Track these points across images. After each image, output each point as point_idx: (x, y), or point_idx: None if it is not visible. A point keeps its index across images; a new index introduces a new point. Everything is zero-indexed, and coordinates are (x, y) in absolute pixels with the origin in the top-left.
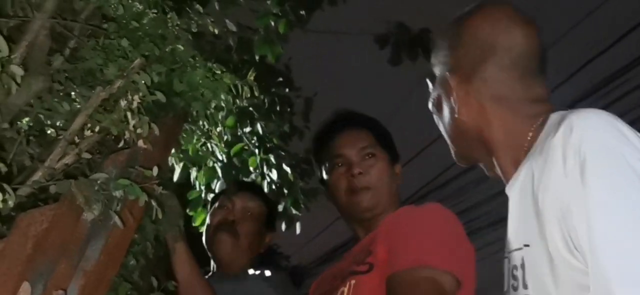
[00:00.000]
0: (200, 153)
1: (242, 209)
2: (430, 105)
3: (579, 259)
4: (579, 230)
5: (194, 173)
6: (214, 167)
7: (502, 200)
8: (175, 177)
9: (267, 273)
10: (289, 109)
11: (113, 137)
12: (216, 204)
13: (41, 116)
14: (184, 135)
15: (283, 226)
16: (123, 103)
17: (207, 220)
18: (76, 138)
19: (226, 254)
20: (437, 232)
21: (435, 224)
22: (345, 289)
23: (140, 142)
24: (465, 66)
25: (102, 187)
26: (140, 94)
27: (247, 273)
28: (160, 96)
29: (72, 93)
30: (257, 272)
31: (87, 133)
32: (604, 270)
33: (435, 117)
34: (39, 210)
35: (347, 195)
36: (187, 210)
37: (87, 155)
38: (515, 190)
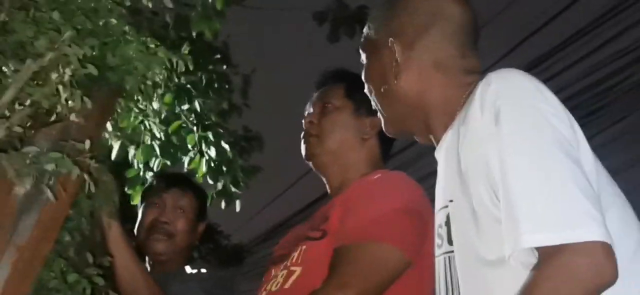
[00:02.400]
0: (137, 131)
1: (173, 207)
2: (362, 75)
3: (500, 210)
4: (496, 179)
5: (132, 151)
6: (152, 145)
7: None
8: (113, 156)
9: (203, 271)
10: (227, 86)
11: (45, 111)
12: (146, 202)
13: None
14: (120, 112)
15: (222, 204)
16: (54, 76)
17: (139, 218)
18: (7, 112)
19: (161, 254)
20: (390, 205)
21: (390, 196)
22: (296, 254)
23: (73, 116)
24: (408, 33)
25: (33, 161)
26: (72, 67)
27: (183, 271)
28: (92, 69)
29: (2, 67)
30: (194, 271)
31: (18, 107)
32: (513, 215)
33: (366, 86)
34: None
35: (303, 143)
36: (126, 189)
37: (18, 130)
38: (442, 153)
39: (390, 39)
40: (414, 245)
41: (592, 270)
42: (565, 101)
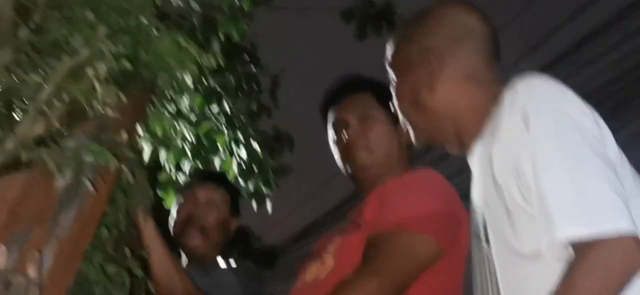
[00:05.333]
0: (168, 134)
1: (206, 202)
2: (392, 91)
3: (533, 208)
4: (529, 180)
5: (163, 154)
6: (183, 148)
7: None
8: (146, 159)
9: (233, 264)
10: (256, 87)
11: (82, 107)
12: (180, 199)
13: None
14: (152, 114)
15: (254, 205)
16: (90, 72)
17: (174, 215)
18: (46, 108)
19: (196, 249)
20: (422, 199)
21: (424, 191)
22: (331, 247)
23: (109, 111)
24: (441, 47)
25: (72, 154)
26: (107, 63)
27: (217, 265)
28: (126, 65)
29: (40, 65)
30: (225, 266)
31: (56, 103)
32: (548, 212)
33: (396, 101)
34: (12, 176)
35: (345, 157)
36: (158, 192)
37: (57, 125)
38: (475, 160)
39: (424, 53)
40: (445, 237)
41: (625, 262)
42: (590, 96)
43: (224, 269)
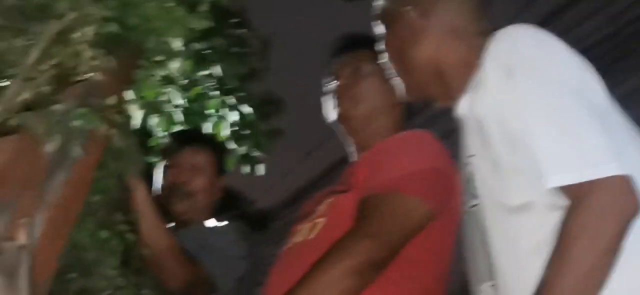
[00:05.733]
0: (158, 99)
1: (190, 166)
2: (382, 45)
3: (519, 159)
4: (514, 130)
5: (154, 120)
6: (172, 113)
7: None
8: (135, 125)
9: (222, 223)
10: (246, 50)
11: (70, 72)
12: (164, 164)
13: None
14: (141, 79)
15: (246, 169)
16: (77, 36)
17: (159, 180)
18: (33, 74)
19: (183, 215)
20: (415, 160)
21: (416, 153)
22: (322, 207)
23: (97, 75)
24: (424, 1)
25: (60, 118)
26: (94, 26)
27: (206, 228)
28: (113, 27)
29: (26, 29)
30: (214, 225)
31: (43, 68)
32: (536, 161)
33: (386, 54)
34: None
35: (335, 105)
36: (148, 158)
37: (45, 90)
38: (462, 113)
39: (407, 8)
40: (438, 199)
41: (619, 204)
42: (586, 51)
43: (214, 230)
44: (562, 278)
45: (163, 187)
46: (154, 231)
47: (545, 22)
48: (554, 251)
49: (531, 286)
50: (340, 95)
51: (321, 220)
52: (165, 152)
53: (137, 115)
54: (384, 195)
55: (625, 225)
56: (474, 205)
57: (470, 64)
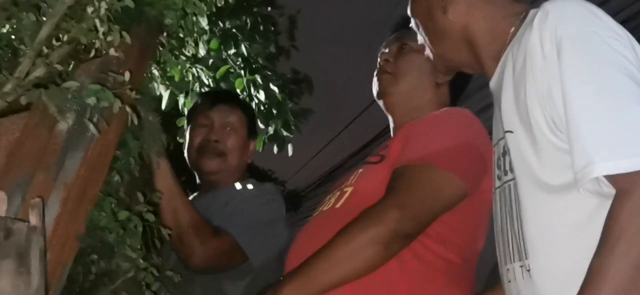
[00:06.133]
0: (186, 80)
1: (222, 124)
2: (409, 12)
3: (562, 139)
4: (558, 109)
5: (182, 100)
6: (201, 92)
7: None
8: (164, 105)
9: (250, 187)
10: (273, 28)
11: (84, 48)
12: (193, 122)
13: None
14: (167, 59)
15: (275, 149)
16: (90, 11)
17: (188, 139)
18: (45, 49)
19: (213, 173)
20: (451, 135)
21: (453, 129)
22: (354, 177)
23: (112, 51)
24: None
25: (74, 95)
26: (108, 0)
27: (234, 188)
28: (128, 2)
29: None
30: (245, 187)
31: (56, 44)
32: (583, 143)
33: (413, 22)
34: (9, 118)
35: (376, 80)
36: (178, 138)
37: (58, 67)
38: (497, 84)
39: None
40: (472, 178)
41: None
42: (626, 21)
43: (245, 193)
44: (611, 270)
45: (191, 147)
46: (177, 209)
47: None
48: (602, 241)
49: (564, 268)
50: (382, 71)
51: (349, 189)
52: (195, 111)
53: (163, 95)
54: (417, 167)
55: None
56: (508, 181)
57: (502, 31)
